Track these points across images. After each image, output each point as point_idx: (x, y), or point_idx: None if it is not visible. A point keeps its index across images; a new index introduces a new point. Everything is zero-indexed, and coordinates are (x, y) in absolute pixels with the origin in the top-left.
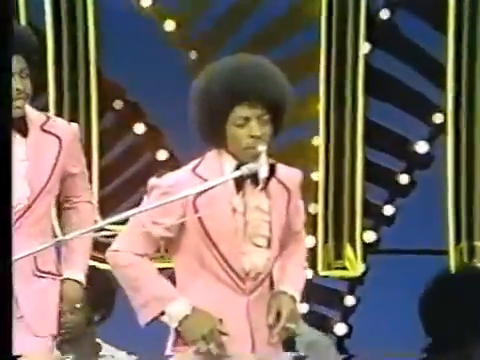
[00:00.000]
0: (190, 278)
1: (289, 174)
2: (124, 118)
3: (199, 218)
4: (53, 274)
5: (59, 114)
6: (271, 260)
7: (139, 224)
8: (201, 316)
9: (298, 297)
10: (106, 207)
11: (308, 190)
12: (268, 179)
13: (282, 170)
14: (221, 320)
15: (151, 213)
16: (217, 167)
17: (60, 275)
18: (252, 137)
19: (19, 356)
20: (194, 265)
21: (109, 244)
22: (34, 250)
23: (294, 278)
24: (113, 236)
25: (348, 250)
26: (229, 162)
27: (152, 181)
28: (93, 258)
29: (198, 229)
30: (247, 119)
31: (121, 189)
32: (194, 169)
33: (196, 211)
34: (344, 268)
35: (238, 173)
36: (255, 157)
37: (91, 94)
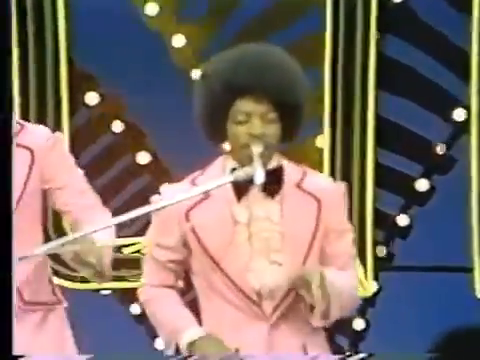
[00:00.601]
0: (206, 303)
1: (323, 184)
2: (99, 115)
3: (196, 234)
4: (49, 304)
5: (24, 110)
6: (289, 277)
7: (148, 252)
8: (211, 343)
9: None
10: None
11: None
12: (277, 185)
13: (312, 178)
14: (237, 349)
15: (153, 236)
16: (219, 175)
17: (60, 302)
18: (251, 136)
19: (19, 356)
20: (206, 289)
21: None
22: (35, 252)
23: (337, 274)
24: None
25: (357, 267)
26: (230, 166)
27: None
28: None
29: (198, 247)
30: (249, 115)
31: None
32: (194, 180)
33: (190, 225)
34: None
35: (229, 178)
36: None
37: (60, 86)
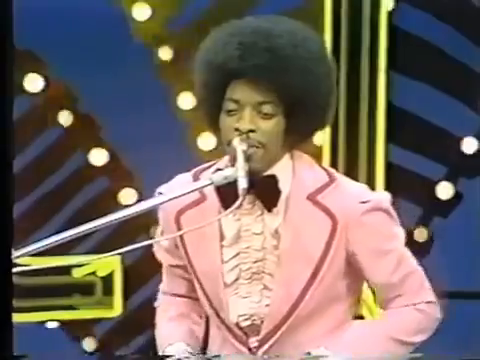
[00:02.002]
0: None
1: (345, 196)
2: (44, 104)
3: (183, 244)
4: None
5: None
6: (278, 309)
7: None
8: None
9: None
10: (21, 228)
11: None
12: (275, 194)
13: (339, 188)
14: None
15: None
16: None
17: None
18: (236, 130)
19: (19, 356)
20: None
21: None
22: (32, 248)
23: (349, 338)
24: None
25: (364, 292)
26: (221, 165)
27: None
28: None
29: (186, 262)
30: (239, 104)
31: (41, 204)
32: (198, 174)
33: (179, 232)
34: (360, 317)
35: (206, 183)
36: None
37: None
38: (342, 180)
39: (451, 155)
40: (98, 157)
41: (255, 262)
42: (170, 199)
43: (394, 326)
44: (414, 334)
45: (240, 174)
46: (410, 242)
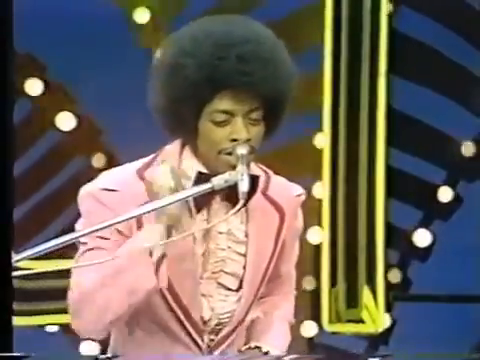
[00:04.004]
0: (126, 327)
1: (284, 189)
2: (44, 107)
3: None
4: None
5: None
6: (243, 309)
7: (80, 249)
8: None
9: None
10: (22, 232)
11: (307, 210)
12: (250, 195)
13: (275, 183)
14: None
15: (86, 227)
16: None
17: None
18: (233, 141)
19: (19, 356)
20: (137, 321)
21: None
22: (32, 251)
23: (275, 332)
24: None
25: (366, 296)
26: (193, 167)
27: (84, 189)
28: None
29: None
30: (230, 114)
31: (42, 208)
32: (141, 171)
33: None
34: (360, 321)
35: (208, 186)
36: (232, 168)
37: None
38: (273, 175)
39: (451, 158)
40: (98, 160)
41: (218, 261)
42: (170, 203)
43: (288, 311)
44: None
45: (241, 178)
46: (410, 246)
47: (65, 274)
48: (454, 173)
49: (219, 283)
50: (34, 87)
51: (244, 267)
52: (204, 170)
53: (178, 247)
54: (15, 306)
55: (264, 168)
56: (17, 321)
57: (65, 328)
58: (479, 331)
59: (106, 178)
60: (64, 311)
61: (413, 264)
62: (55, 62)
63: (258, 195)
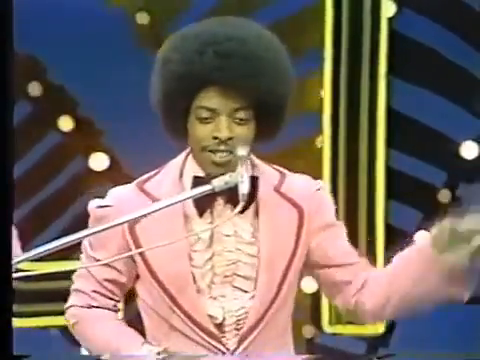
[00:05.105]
0: (159, 342)
1: (302, 186)
2: (45, 109)
3: (143, 256)
4: None
5: None
6: (259, 307)
7: (80, 265)
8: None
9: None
10: (21, 233)
11: None
12: (251, 197)
13: (291, 180)
14: None
15: (87, 246)
16: (175, 181)
17: None
18: (215, 139)
19: (20, 356)
20: (161, 324)
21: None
22: (33, 253)
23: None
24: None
25: None
26: (191, 172)
27: (89, 206)
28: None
29: (145, 271)
30: (215, 112)
31: (42, 209)
32: (142, 184)
33: (136, 243)
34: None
35: (208, 188)
36: (217, 166)
37: None
38: (289, 173)
39: (451, 160)
40: (98, 162)
41: (229, 265)
42: (167, 205)
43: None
44: None
45: (241, 179)
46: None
47: (65, 276)
48: (454, 174)
49: (234, 286)
50: (34, 88)
51: (256, 269)
52: (202, 174)
53: (172, 258)
54: (15, 308)
55: (278, 168)
56: (17, 323)
57: (65, 330)
58: (478, 333)
59: (108, 195)
60: (64, 313)
61: None
62: (55, 63)
63: (271, 194)
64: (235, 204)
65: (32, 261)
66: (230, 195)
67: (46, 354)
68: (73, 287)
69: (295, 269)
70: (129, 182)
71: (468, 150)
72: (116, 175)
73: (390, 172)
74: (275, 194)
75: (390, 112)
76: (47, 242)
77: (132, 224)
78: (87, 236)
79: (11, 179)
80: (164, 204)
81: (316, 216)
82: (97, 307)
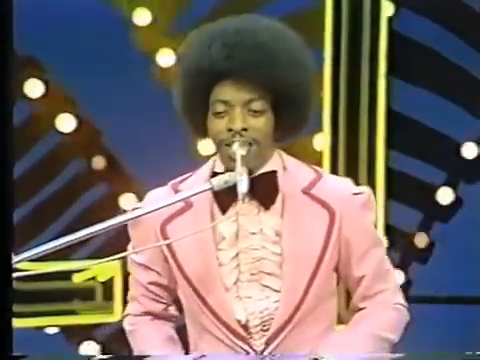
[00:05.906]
0: (195, 343)
1: (337, 188)
2: (44, 109)
3: (172, 253)
4: None
5: None
6: (285, 308)
7: (131, 272)
8: None
9: None
10: (21, 235)
11: None
12: (271, 193)
13: (327, 182)
14: None
15: (131, 252)
16: (205, 180)
17: None
18: (230, 130)
19: (19, 356)
20: (194, 324)
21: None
22: (32, 253)
23: (352, 343)
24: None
25: None
26: (216, 169)
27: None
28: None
29: (176, 269)
30: (228, 105)
31: (42, 209)
32: (177, 185)
33: (167, 242)
34: None
35: (207, 186)
36: (232, 159)
37: None
38: (327, 175)
39: (451, 160)
40: (98, 162)
41: (254, 262)
42: (168, 204)
43: (378, 323)
44: (395, 331)
45: (239, 178)
46: (410, 247)
47: (65, 276)
48: (454, 175)
49: (263, 285)
50: (34, 89)
51: (281, 266)
52: (222, 170)
53: (199, 252)
54: (14, 308)
55: (316, 168)
56: (17, 323)
57: (65, 329)
58: (475, 333)
59: (145, 197)
60: (64, 313)
61: (413, 265)
62: (55, 64)
63: (297, 194)
64: (261, 199)
65: (32, 261)
66: (255, 191)
67: (45, 354)
68: (128, 295)
69: (326, 270)
70: (129, 182)
71: (468, 150)
72: (116, 175)
73: (390, 172)
74: (302, 194)
75: (390, 112)
76: (47, 242)
77: (163, 226)
78: (87, 236)
79: (11, 179)
80: (167, 202)
81: (352, 221)
82: (148, 314)
